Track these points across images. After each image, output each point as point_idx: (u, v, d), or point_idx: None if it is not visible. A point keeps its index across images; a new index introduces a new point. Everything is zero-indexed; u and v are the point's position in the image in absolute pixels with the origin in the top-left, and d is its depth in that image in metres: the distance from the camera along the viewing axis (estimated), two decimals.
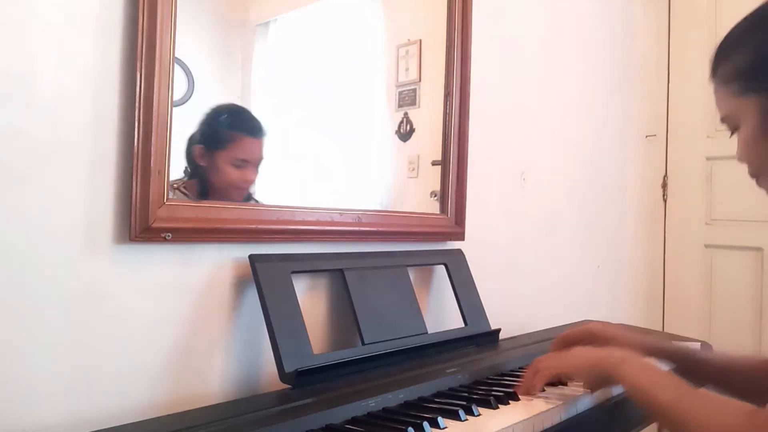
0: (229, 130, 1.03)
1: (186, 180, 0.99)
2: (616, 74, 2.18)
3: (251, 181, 1.07)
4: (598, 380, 0.98)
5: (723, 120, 0.84)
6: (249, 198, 1.09)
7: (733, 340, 2.18)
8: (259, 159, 1.08)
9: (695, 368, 1.07)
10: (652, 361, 0.97)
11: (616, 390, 1.05)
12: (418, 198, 1.43)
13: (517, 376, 1.08)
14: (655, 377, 0.89)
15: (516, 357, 1.22)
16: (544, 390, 1.01)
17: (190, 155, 0.99)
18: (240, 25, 1.11)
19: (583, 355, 0.99)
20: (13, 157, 0.81)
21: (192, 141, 0.99)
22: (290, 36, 1.18)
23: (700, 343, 1.52)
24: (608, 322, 1.28)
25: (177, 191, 0.97)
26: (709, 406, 0.82)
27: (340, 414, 0.85)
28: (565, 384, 1.06)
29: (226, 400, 1.00)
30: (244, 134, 1.06)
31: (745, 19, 0.82)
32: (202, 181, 1.01)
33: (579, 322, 1.71)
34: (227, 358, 1.04)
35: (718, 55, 0.84)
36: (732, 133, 0.84)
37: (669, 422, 0.84)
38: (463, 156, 1.46)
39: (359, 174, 1.32)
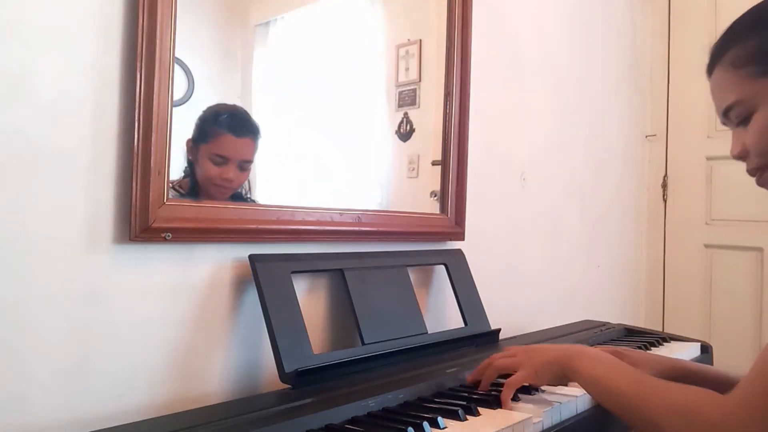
0: (213, 125, 1.04)
1: (182, 178, 1.00)
2: (616, 74, 2.19)
3: (231, 180, 1.05)
4: (557, 380, 0.95)
5: (731, 107, 0.80)
6: (241, 198, 1.09)
7: (732, 340, 2.17)
8: (243, 159, 1.07)
9: (714, 388, 1.05)
10: (607, 354, 0.94)
11: None
12: (418, 198, 1.43)
13: None
14: (610, 366, 0.87)
15: None
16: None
17: (186, 150, 1.00)
18: (240, 25, 1.11)
19: (541, 358, 0.95)
20: (14, 157, 0.81)
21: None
22: (290, 36, 1.18)
23: (700, 344, 1.52)
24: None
25: (172, 189, 0.97)
26: (672, 390, 0.79)
27: (340, 414, 0.85)
28: (565, 384, 1.05)
29: (226, 400, 1.00)
30: (226, 131, 1.05)
31: (751, 11, 0.81)
32: (192, 177, 1.02)
33: (579, 322, 1.72)
34: (227, 358, 1.04)
35: (724, 43, 0.81)
36: (739, 123, 0.81)
37: (629, 410, 0.82)
38: (463, 156, 1.46)
39: (359, 174, 1.32)
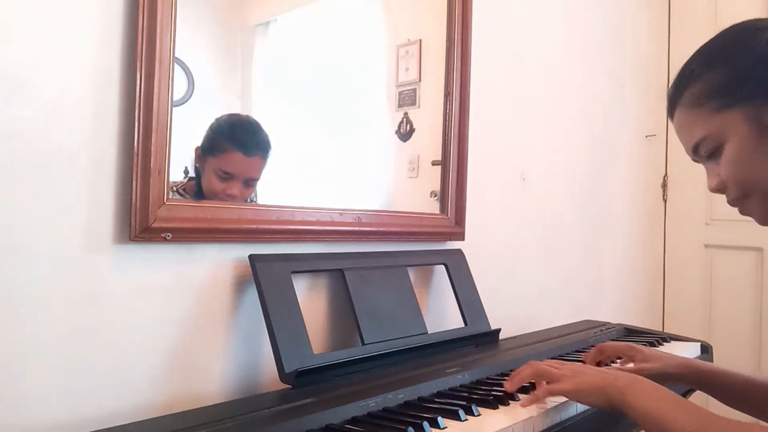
0: (223, 139, 1.02)
1: (186, 181, 0.99)
2: (616, 74, 2.18)
3: (234, 196, 1.04)
4: (596, 404, 0.91)
5: (699, 144, 0.82)
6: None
7: (732, 340, 2.18)
8: (248, 177, 1.06)
9: (724, 387, 1.05)
10: (659, 385, 0.89)
11: None
12: (418, 198, 1.43)
13: None
14: (667, 403, 0.83)
15: (516, 357, 1.21)
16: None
17: (194, 158, 1.00)
18: (240, 25, 1.11)
19: (590, 379, 0.91)
20: (13, 157, 0.81)
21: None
22: (290, 36, 1.18)
23: (700, 344, 1.52)
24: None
25: (177, 193, 0.97)
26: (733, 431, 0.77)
27: (340, 414, 0.85)
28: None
29: (226, 400, 1.00)
30: (235, 148, 1.04)
31: (701, 50, 0.83)
32: (198, 184, 1.01)
33: (579, 322, 1.72)
34: (227, 358, 1.04)
35: (680, 84, 0.83)
36: (709, 157, 0.82)
37: None
38: (463, 156, 1.46)
39: (359, 174, 1.32)
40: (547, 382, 0.95)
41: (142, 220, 0.90)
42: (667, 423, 0.80)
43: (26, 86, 0.82)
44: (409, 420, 0.84)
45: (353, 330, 1.14)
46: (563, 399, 0.97)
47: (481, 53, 1.52)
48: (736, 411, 1.05)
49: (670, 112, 0.86)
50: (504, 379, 1.05)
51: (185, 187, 0.99)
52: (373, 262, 1.20)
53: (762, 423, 0.79)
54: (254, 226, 1.04)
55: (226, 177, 1.03)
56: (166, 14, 0.91)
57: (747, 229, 2.17)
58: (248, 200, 1.09)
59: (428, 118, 1.42)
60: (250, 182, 1.06)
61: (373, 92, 1.37)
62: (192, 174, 1.01)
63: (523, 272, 1.74)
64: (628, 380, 0.88)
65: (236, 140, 1.04)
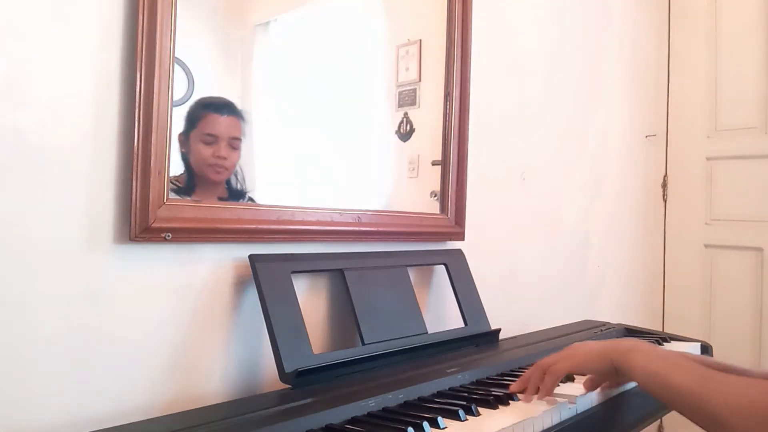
0: (197, 110, 1.05)
1: (179, 175, 1.00)
2: (616, 74, 2.18)
3: (224, 158, 1.06)
4: (605, 373, 0.94)
5: None
6: (237, 192, 1.09)
7: (732, 340, 2.18)
8: (232, 136, 1.08)
9: None
10: (662, 347, 0.93)
11: (618, 388, 1.05)
12: (418, 198, 1.43)
13: (517, 377, 1.07)
14: (669, 361, 0.84)
15: (516, 357, 1.22)
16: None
17: (179, 144, 1.00)
18: (240, 25, 1.11)
19: (587, 348, 0.95)
20: (13, 158, 0.81)
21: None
22: (290, 36, 1.18)
23: (700, 344, 1.52)
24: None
25: (170, 183, 0.97)
26: (733, 385, 0.77)
27: (340, 414, 0.85)
28: (571, 380, 1.05)
29: (226, 400, 1.00)
30: (210, 111, 1.06)
31: None
32: (189, 170, 1.02)
33: (579, 322, 1.72)
34: (227, 358, 1.04)
35: None
36: None
37: (689, 406, 0.80)
38: (463, 156, 1.46)
39: (359, 174, 1.32)
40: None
41: (142, 220, 0.90)
42: (667, 379, 0.82)
43: (26, 86, 0.82)
44: (409, 420, 0.84)
45: (353, 330, 1.14)
46: (564, 399, 0.97)
47: (481, 53, 1.52)
48: None
49: None
50: (504, 380, 1.06)
51: (178, 178, 0.99)
52: (373, 262, 1.20)
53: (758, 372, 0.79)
54: (254, 226, 1.04)
55: (211, 140, 1.05)
56: (166, 14, 0.92)
57: (747, 229, 2.18)
58: (240, 189, 1.09)
59: (428, 118, 1.42)
60: (234, 143, 1.08)
61: (373, 92, 1.37)
62: (185, 166, 1.01)
63: (523, 272, 1.74)
64: (629, 344, 0.91)
65: (207, 106, 1.06)
